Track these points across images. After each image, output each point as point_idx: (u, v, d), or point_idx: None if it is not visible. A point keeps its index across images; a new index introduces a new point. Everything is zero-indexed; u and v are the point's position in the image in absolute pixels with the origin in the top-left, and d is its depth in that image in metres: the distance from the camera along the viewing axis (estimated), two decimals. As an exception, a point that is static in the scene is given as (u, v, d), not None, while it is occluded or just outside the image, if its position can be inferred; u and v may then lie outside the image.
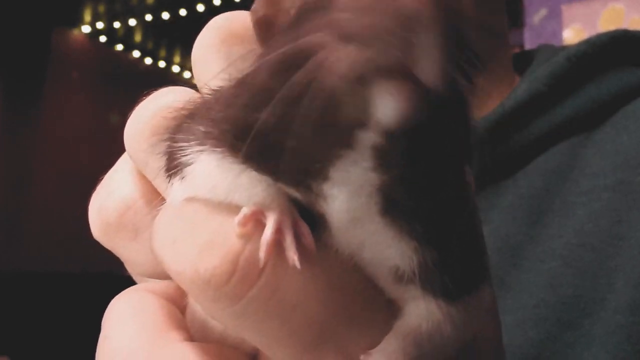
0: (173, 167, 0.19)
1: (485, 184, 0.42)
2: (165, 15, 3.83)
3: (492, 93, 0.46)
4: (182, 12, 3.77)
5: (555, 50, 0.48)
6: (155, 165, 0.20)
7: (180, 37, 4.24)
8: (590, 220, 0.38)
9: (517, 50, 0.54)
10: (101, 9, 3.82)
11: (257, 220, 0.17)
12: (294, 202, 0.18)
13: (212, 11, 4.16)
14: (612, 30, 0.44)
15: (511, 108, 0.42)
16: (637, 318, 0.34)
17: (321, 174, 0.16)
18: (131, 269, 0.25)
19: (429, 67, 0.15)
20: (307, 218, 0.18)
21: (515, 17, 0.54)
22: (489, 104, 0.45)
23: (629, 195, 0.38)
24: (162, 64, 4.50)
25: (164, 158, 0.20)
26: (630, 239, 0.36)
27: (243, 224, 0.17)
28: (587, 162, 0.41)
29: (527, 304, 0.37)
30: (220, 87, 0.19)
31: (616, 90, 0.42)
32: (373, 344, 0.18)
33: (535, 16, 1.86)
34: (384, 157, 0.16)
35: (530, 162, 0.42)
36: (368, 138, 0.16)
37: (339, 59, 0.15)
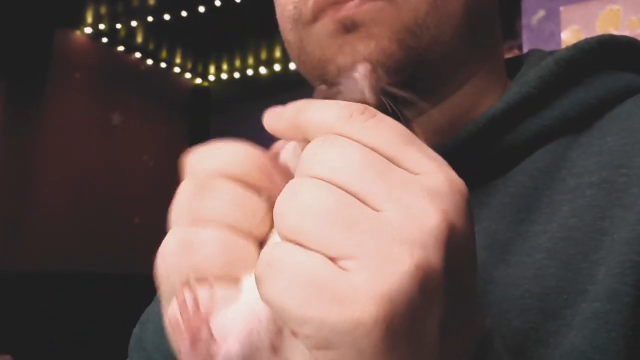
0: None
1: (476, 184, 0.42)
2: (167, 17, 3.84)
3: (485, 96, 0.47)
4: (184, 13, 3.78)
5: (544, 54, 0.50)
6: None
7: (181, 38, 4.26)
8: (575, 215, 0.39)
9: (516, 51, 0.56)
10: (103, 10, 3.83)
11: None
12: None
13: (213, 12, 4.14)
14: (598, 35, 0.45)
15: (502, 110, 0.43)
16: (614, 305, 0.35)
17: None
18: None
19: None
20: None
21: (511, 29, 0.55)
22: (482, 106, 0.46)
23: (613, 194, 0.38)
24: (163, 65, 4.51)
25: None
26: (613, 234, 0.37)
27: None
28: (574, 162, 0.42)
29: (513, 295, 0.37)
30: None
31: (602, 94, 0.43)
32: None
33: (534, 17, 1.87)
34: None
35: (520, 163, 0.43)
36: None
37: None
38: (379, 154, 0.25)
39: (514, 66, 0.52)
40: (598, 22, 1.75)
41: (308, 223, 0.24)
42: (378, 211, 0.24)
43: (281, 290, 0.23)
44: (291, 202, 0.25)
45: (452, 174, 0.25)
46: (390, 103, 0.29)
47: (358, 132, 0.26)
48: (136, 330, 0.56)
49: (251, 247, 0.29)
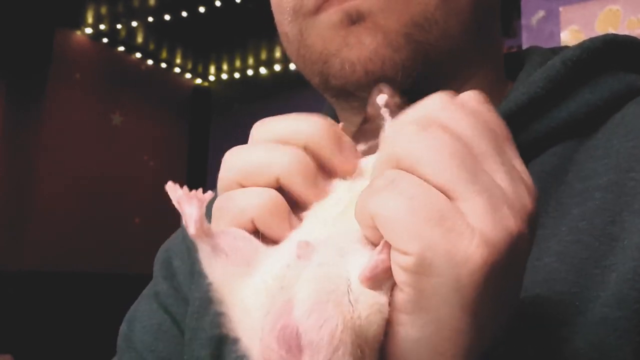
0: None
1: None
2: (167, 17, 3.84)
3: (487, 95, 0.46)
4: (184, 13, 3.79)
5: (546, 53, 0.49)
6: None
7: (181, 38, 4.26)
8: (584, 218, 0.38)
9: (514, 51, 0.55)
10: (103, 10, 3.84)
11: None
12: None
13: (214, 13, 4.14)
14: (602, 35, 0.45)
15: (511, 111, 0.41)
16: (624, 312, 0.34)
17: None
18: None
19: None
20: None
21: (508, 28, 0.54)
22: None
23: (622, 197, 0.37)
24: (163, 65, 4.51)
25: None
26: (624, 239, 0.36)
27: None
28: (581, 165, 0.41)
29: (523, 300, 0.36)
30: None
31: (607, 95, 0.42)
32: None
33: (533, 18, 1.88)
34: None
35: (527, 165, 0.42)
36: None
37: None
38: (495, 134, 0.27)
39: (512, 63, 0.51)
40: (597, 23, 1.76)
41: (431, 157, 0.25)
42: (493, 174, 0.25)
43: (400, 205, 0.24)
44: (417, 133, 0.25)
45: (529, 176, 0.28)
46: None
47: (477, 105, 0.28)
48: (123, 328, 0.55)
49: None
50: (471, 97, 0.28)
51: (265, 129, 0.31)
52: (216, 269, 0.28)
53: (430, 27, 0.41)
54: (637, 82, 0.44)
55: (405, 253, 0.24)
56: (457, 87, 0.44)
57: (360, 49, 0.40)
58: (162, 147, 4.42)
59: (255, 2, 3.34)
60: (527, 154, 0.42)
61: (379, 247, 0.25)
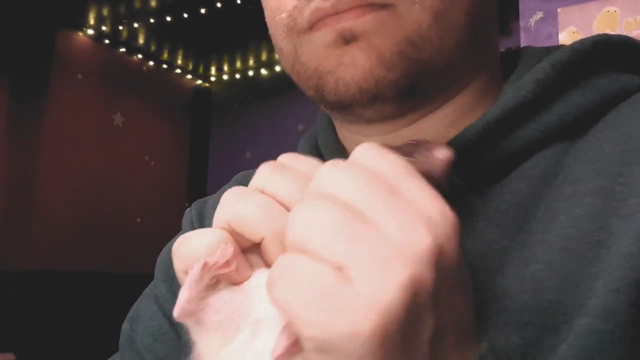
0: None
1: (472, 190, 0.40)
2: (168, 19, 3.86)
3: (483, 98, 0.46)
4: (185, 15, 3.80)
5: (539, 53, 0.48)
6: None
7: (182, 39, 4.27)
8: (572, 224, 0.37)
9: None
10: (105, 12, 3.85)
11: None
12: None
13: (214, 14, 4.14)
14: (593, 36, 0.44)
15: (497, 115, 0.41)
16: (609, 323, 0.33)
17: None
18: None
19: None
20: None
21: (505, 26, 0.53)
22: (479, 109, 0.45)
23: (610, 203, 0.37)
24: (164, 66, 4.53)
25: None
26: (612, 246, 0.35)
27: None
28: (570, 169, 0.40)
29: (510, 308, 0.36)
30: None
31: (599, 97, 0.42)
32: None
33: (532, 19, 1.88)
34: None
35: (516, 169, 0.41)
36: None
37: None
38: (383, 181, 0.27)
39: (508, 62, 0.50)
40: (595, 24, 1.77)
41: (315, 234, 0.26)
42: (379, 227, 0.25)
43: (291, 293, 0.25)
44: (301, 215, 0.26)
45: (445, 205, 0.27)
46: (453, 182, 0.33)
47: (367, 161, 0.28)
48: (125, 327, 0.55)
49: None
50: (363, 153, 0.29)
51: (273, 179, 0.32)
52: (200, 343, 0.30)
53: (424, 45, 0.40)
54: (631, 82, 0.43)
55: (304, 338, 0.25)
56: (452, 95, 0.45)
57: (354, 69, 0.40)
58: (163, 147, 4.43)
59: (255, 3, 3.34)
60: (517, 158, 0.42)
61: (282, 327, 0.27)
